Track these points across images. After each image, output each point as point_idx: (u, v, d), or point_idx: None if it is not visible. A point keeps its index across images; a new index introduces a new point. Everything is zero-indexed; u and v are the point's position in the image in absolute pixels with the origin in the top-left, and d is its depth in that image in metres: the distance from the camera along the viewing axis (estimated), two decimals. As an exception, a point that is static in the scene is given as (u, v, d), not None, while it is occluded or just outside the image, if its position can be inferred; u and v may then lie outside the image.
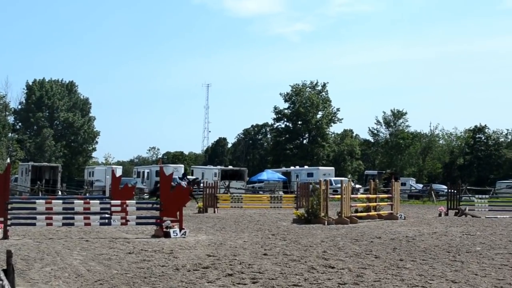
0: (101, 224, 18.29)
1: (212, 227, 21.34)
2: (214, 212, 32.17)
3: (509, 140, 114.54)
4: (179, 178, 43.43)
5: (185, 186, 44.21)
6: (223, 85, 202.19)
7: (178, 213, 17.81)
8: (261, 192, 57.23)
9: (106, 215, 18.73)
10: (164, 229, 17.40)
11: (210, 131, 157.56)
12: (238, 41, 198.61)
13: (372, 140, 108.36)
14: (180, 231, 17.47)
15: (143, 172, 67.55)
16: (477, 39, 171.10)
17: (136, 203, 21.26)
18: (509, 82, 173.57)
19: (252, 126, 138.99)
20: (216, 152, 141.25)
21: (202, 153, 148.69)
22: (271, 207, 34.79)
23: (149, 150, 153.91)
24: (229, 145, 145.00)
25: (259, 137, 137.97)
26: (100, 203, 20.25)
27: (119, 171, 57.27)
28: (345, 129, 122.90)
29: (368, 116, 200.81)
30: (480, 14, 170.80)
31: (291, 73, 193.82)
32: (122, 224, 18.34)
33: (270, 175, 69.54)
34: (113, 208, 18.65)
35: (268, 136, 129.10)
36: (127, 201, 18.56)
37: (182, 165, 76.04)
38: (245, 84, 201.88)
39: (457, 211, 31.54)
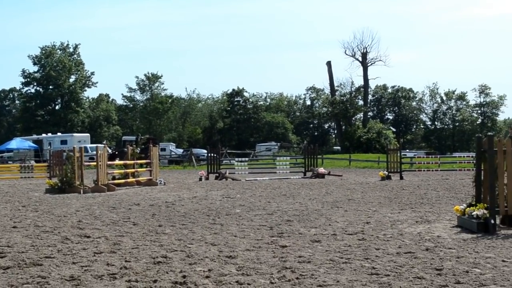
0: None
1: (-47, 202, 20.18)
2: (-44, 185, 30.46)
3: (268, 103, 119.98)
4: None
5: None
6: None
7: None
8: (10, 162, 55.05)
9: None
10: None
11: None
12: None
13: (130, 105, 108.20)
14: None
15: None
16: (236, 2, 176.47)
17: None
18: (265, 46, 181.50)
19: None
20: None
21: None
22: (22, 177, 33.65)
23: None
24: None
25: (7, 103, 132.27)
26: None
27: None
28: (100, 93, 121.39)
29: (124, 81, 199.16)
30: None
31: (40, 34, 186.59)
32: None
33: (19, 143, 67.12)
34: None
35: (17, 102, 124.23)
36: None
37: None
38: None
39: (217, 175, 32.54)
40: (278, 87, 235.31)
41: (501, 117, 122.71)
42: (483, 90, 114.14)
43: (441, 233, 11.20)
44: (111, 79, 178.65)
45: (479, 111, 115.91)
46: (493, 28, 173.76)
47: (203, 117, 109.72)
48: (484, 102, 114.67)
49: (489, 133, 12.23)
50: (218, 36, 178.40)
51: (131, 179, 27.48)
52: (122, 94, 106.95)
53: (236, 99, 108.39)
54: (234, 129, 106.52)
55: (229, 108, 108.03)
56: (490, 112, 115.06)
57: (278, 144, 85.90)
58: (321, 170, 33.94)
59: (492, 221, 11.13)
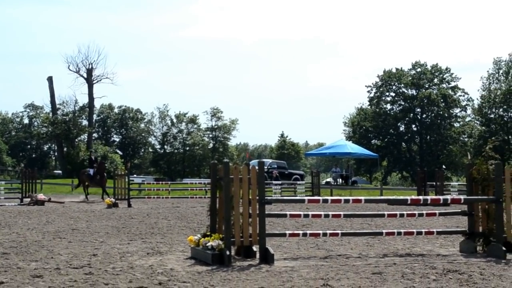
0: None
1: None
2: None
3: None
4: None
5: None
6: None
7: None
8: None
9: None
10: None
11: None
12: None
13: None
14: None
15: None
16: None
17: None
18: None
19: None
20: None
21: None
22: None
23: None
24: None
25: None
26: None
27: None
28: None
29: None
30: None
31: None
32: None
33: None
34: None
35: None
36: None
37: None
38: None
39: None
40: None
41: (233, 142, 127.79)
42: (215, 114, 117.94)
43: (174, 266, 11.33)
44: None
45: (210, 135, 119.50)
46: (222, 49, 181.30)
47: None
48: (216, 126, 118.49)
49: (225, 160, 12.62)
50: None
51: None
52: None
53: None
54: None
55: None
56: (222, 137, 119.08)
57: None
58: (41, 196, 33.13)
59: (228, 252, 11.44)
